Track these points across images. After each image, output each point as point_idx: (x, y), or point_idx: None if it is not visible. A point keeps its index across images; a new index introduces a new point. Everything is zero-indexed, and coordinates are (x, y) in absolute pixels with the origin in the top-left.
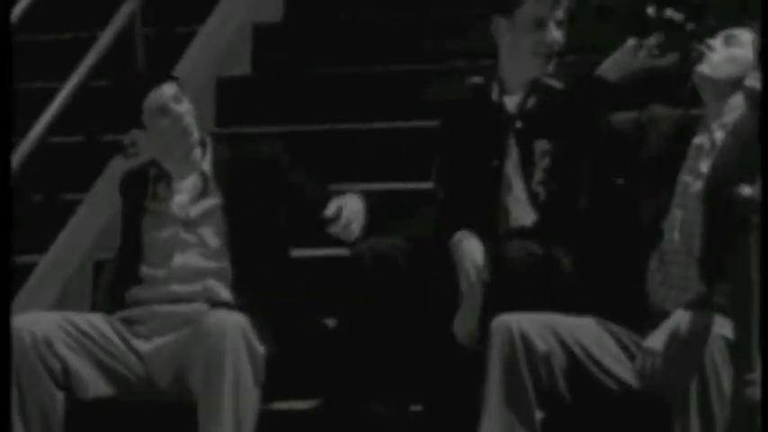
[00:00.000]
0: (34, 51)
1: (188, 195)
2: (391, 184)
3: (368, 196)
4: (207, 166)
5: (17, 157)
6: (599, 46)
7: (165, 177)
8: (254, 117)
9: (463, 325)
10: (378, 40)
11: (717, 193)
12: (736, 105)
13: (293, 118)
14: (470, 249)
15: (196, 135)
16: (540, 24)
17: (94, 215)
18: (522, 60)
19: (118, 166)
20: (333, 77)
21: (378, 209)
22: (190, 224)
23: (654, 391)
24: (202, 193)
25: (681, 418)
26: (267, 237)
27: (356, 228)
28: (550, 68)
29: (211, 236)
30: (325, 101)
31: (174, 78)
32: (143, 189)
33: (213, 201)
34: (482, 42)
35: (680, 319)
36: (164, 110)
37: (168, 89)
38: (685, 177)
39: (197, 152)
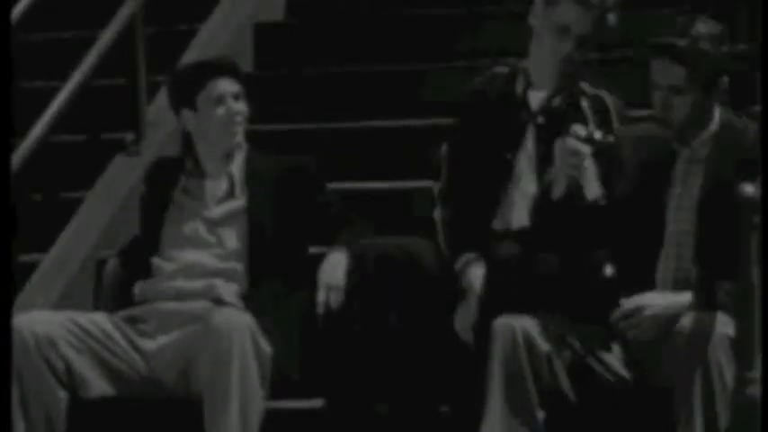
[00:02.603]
0: (34, 51)
1: (216, 195)
2: (392, 183)
3: (368, 195)
4: (236, 168)
5: (18, 156)
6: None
7: (199, 173)
8: (256, 115)
9: (465, 322)
10: (379, 38)
11: (711, 199)
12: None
13: (294, 117)
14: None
15: (239, 138)
16: (564, 32)
17: (96, 214)
18: (545, 58)
19: (119, 165)
20: (334, 76)
21: (378, 208)
22: (211, 223)
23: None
24: (228, 195)
25: (684, 416)
26: (286, 242)
27: (338, 296)
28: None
29: (232, 237)
30: (326, 100)
31: (241, 77)
32: (174, 180)
33: (238, 203)
34: (483, 41)
35: (684, 317)
36: (221, 100)
37: (232, 85)
38: (675, 190)
39: (233, 154)
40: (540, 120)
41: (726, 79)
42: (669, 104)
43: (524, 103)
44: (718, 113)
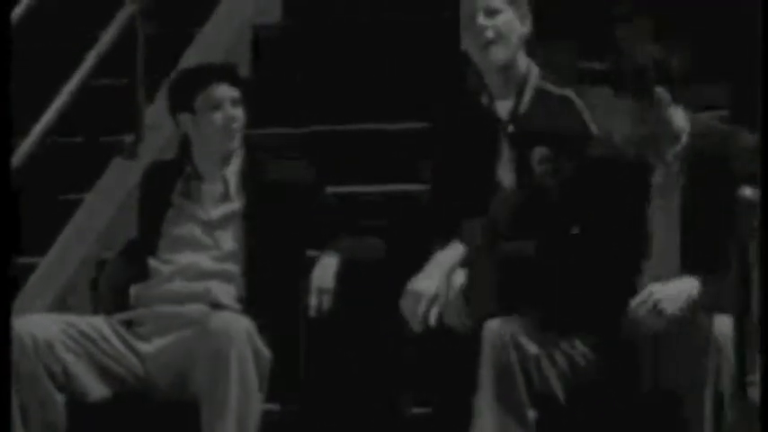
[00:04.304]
0: (34, 51)
1: (212, 198)
2: (390, 185)
3: (365, 199)
4: (231, 172)
5: (18, 157)
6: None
7: (197, 176)
8: (254, 118)
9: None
10: (377, 41)
11: (693, 209)
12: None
13: (292, 119)
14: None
15: (236, 144)
16: (473, 18)
17: (95, 216)
18: (492, 73)
19: (118, 168)
20: (332, 79)
21: (376, 211)
22: (208, 226)
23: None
24: (223, 198)
25: (695, 417)
26: (283, 246)
27: (329, 300)
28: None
29: (228, 239)
30: (324, 102)
31: (240, 83)
32: (172, 183)
33: (234, 205)
34: None
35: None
36: (218, 105)
37: (231, 90)
38: (656, 202)
39: (230, 158)
40: (511, 129)
41: (660, 90)
42: (609, 126)
43: (493, 114)
44: (688, 124)
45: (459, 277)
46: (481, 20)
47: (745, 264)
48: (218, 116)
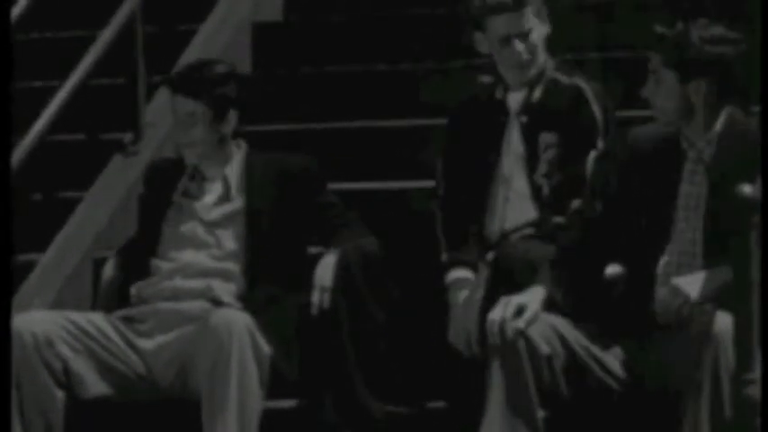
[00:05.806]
0: (34, 50)
1: (213, 197)
2: (390, 183)
3: (366, 195)
4: (231, 170)
5: (17, 155)
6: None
7: (200, 175)
8: (254, 116)
9: (456, 335)
10: (378, 38)
11: (717, 198)
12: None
13: (293, 117)
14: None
15: (244, 149)
16: (506, 41)
17: (94, 214)
18: (508, 69)
19: (117, 165)
20: (332, 76)
21: (377, 208)
22: (209, 225)
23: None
24: (225, 197)
25: (692, 416)
26: (285, 243)
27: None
28: (550, 65)
29: (230, 238)
30: (324, 99)
31: (204, 98)
32: (174, 182)
33: (235, 205)
34: None
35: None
36: (180, 119)
37: (189, 104)
38: (684, 188)
39: (230, 159)
40: (524, 119)
41: (703, 83)
42: (651, 89)
43: (506, 106)
44: (724, 114)
45: (464, 294)
46: (517, 45)
47: (746, 262)
48: (197, 130)
